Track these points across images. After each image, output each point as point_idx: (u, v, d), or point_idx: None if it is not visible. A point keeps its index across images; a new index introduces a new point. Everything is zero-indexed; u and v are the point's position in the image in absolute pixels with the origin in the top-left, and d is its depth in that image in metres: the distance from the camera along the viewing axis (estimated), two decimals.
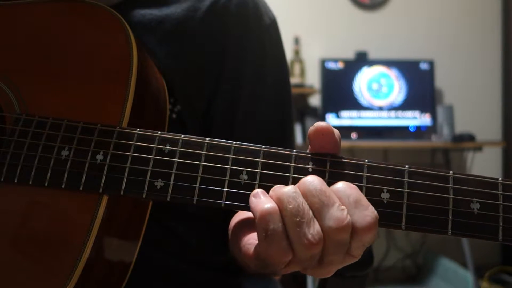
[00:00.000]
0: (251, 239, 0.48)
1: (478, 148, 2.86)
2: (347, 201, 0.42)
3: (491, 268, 2.81)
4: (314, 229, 0.40)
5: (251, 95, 0.71)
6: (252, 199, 0.43)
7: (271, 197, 0.43)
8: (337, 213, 0.40)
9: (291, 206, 0.41)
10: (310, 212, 0.41)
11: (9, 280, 0.50)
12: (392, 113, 3.00)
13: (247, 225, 0.52)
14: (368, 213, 0.41)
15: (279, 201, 0.42)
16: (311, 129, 0.45)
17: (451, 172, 0.45)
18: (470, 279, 2.55)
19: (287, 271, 0.44)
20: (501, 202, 0.43)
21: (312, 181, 0.42)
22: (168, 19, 0.68)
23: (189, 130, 0.67)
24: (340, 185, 0.43)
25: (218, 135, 0.67)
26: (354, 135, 2.93)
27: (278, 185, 0.43)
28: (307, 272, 0.44)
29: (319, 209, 0.41)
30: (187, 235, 0.71)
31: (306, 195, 0.42)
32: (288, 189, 0.42)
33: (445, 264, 2.81)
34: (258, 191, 0.44)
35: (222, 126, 0.70)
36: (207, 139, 0.49)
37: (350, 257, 0.43)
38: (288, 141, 0.75)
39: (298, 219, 0.41)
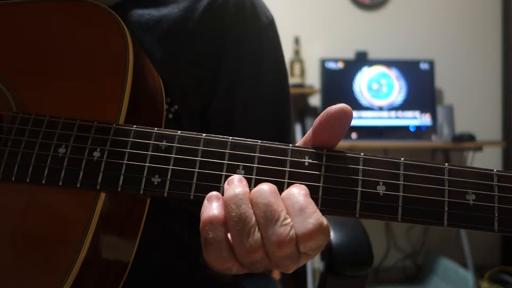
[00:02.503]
0: None
1: (478, 148, 2.86)
2: (292, 209, 0.42)
3: (491, 268, 2.81)
4: (253, 238, 0.41)
5: (248, 95, 0.71)
6: (204, 202, 0.44)
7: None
8: (280, 230, 0.41)
9: (233, 214, 0.42)
10: (253, 220, 0.42)
11: (6, 279, 0.50)
12: (392, 113, 3.00)
13: None
14: (310, 220, 0.41)
15: (224, 207, 0.43)
16: (333, 107, 0.44)
17: (446, 164, 0.45)
18: (470, 279, 2.55)
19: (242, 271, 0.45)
20: (496, 193, 0.44)
21: (261, 191, 0.43)
22: (166, 19, 0.68)
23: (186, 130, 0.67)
24: (289, 191, 0.43)
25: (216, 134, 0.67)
26: (354, 135, 2.93)
27: (233, 185, 0.44)
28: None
29: (263, 223, 0.42)
30: (186, 234, 0.71)
31: (253, 204, 0.43)
32: (236, 193, 0.43)
33: (445, 264, 2.81)
34: (212, 194, 0.44)
35: (220, 126, 0.70)
36: (204, 134, 0.49)
37: (306, 256, 0.43)
38: (286, 141, 0.75)
39: (238, 228, 0.42)
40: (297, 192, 0.43)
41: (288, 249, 0.41)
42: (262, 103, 0.72)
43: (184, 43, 0.68)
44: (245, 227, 0.41)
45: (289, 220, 0.42)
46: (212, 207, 0.43)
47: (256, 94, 0.72)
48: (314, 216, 0.41)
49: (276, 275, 1.17)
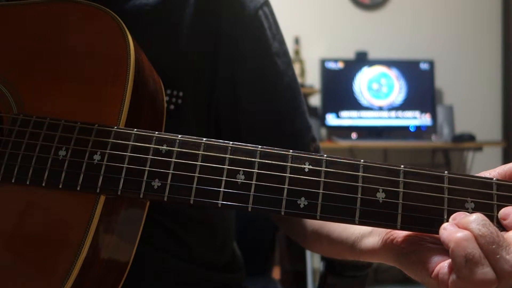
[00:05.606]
0: (445, 268, 0.43)
1: (478, 148, 2.86)
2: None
3: None
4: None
5: (251, 70, 0.71)
6: (443, 231, 0.42)
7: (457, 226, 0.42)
8: None
9: (483, 230, 0.40)
10: (502, 239, 0.40)
11: (6, 280, 0.50)
12: (392, 113, 3.00)
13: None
14: None
15: (468, 229, 0.41)
16: None
17: (446, 172, 0.45)
18: None
19: None
20: (495, 202, 0.44)
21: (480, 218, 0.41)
22: (165, 7, 0.68)
23: (189, 119, 0.67)
24: None
25: (226, 116, 0.68)
26: (354, 135, 2.93)
27: (459, 213, 0.43)
28: None
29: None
30: (186, 236, 0.71)
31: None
32: (474, 217, 0.41)
33: None
34: (445, 224, 0.43)
35: (227, 108, 0.70)
36: (204, 139, 0.49)
37: None
38: (300, 112, 0.73)
39: (494, 246, 0.40)
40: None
41: None
42: (268, 73, 0.72)
43: (183, 27, 0.68)
44: (501, 245, 0.40)
45: None
46: (455, 231, 0.41)
47: (259, 69, 0.71)
48: None
49: (276, 275, 1.17)
